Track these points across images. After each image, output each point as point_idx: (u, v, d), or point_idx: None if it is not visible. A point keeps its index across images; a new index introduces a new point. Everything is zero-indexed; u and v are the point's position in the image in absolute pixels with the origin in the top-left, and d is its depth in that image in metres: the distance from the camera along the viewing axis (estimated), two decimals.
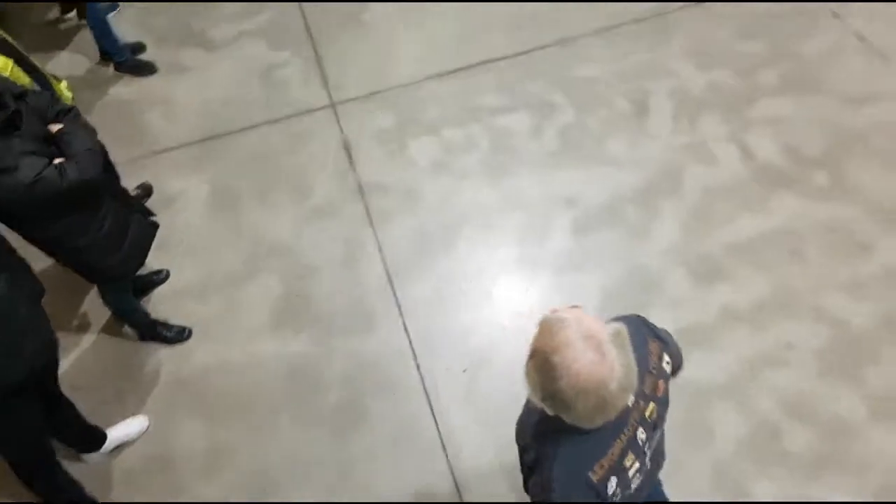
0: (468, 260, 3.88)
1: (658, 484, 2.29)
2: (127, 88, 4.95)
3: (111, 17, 5.02)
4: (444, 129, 4.49)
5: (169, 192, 4.28)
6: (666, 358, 1.90)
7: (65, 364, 3.42)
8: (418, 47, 5.03)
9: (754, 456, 3.12)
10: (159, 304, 3.81)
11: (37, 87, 3.31)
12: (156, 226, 3.34)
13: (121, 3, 5.45)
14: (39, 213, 2.74)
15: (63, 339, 3.53)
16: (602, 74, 4.71)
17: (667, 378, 1.88)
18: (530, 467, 1.78)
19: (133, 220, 3.16)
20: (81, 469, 3.17)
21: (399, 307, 3.71)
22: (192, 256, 3.98)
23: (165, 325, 3.68)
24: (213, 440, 3.34)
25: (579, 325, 1.55)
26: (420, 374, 3.47)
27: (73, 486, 2.97)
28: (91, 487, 3.10)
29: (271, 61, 5.03)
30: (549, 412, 1.61)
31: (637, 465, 1.78)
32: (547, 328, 1.59)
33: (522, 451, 1.83)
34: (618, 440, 1.72)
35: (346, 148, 4.44)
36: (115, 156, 3.56)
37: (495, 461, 3.18)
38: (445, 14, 5.21)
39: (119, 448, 3.31)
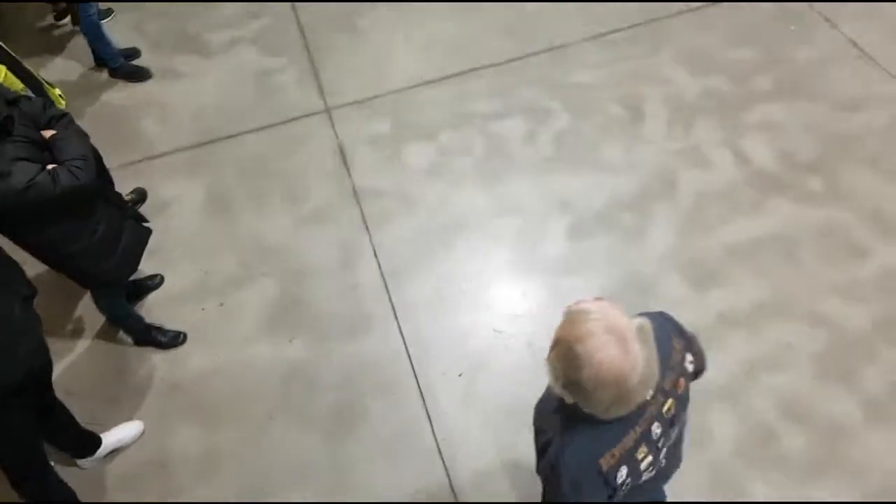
0: (464, 264, 3.88)
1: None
2: (121, 94, 4.95)
3: (105, 22, 5.03)
4: (439, 135, 4.50)
5: (164, 197, 4.27)
6: (689, 357, 1.91)
7: (59, 369, 3.40)
8: (413, 53, 5.04)
9: (752, 457, 3.12)
10: (154, 309, 3.79)
11: (30, 93, 3.31)
12: (149, 231, 3.34)
13: (115, 10, 5.46)
14: (33, 219, 2.74)
15: (57, 344, 3.55)
16: (596, 80, 4.73)
17: (688, 376, 1.89)
18: (543, 449, 1.80)
19: (126, 225, 3.16)
20: (76, 474, 3.16)
21: (395, 311, 3.70)
22: (187, 261, 3.97)
23: (160, 330, 3.66)
24: (209, 444, 3.32)
25: (604, 318, 1.56)
26: (416, 377, 3.47)
27: (64, 489, 2.95)
28: (85, 492, 3.08)
29: (266, 67, 5.04)
30: (568, 400, 1.63)
31: (650, 458, 1.80)
32: (572, 318, 1.60)
33: (538, 433, 1.85)
34: (632, 431, 1.73)
35: (342, 153, 4.44)
36: (109, 161, 3.57)
37: (492, 464, 3.17)
38: (441, 20, 5.23)
39: (114, 453, 3.29)
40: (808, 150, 4.24)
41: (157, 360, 3.62)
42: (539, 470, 1.82)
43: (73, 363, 3.62)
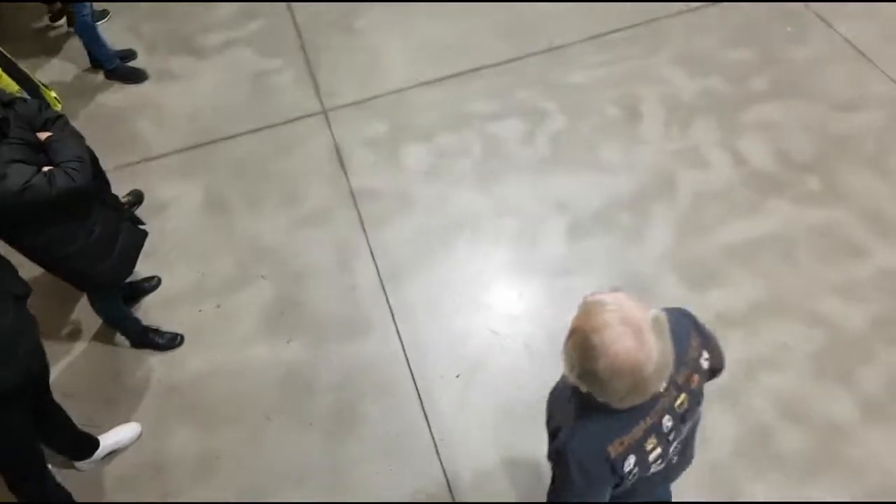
0: (461, 265, 3.87)
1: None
2: (117, 95, 4.94)
3: (101, 24, 5.02)
4: (437, 136, 4.49)
5: (160, 199, 4.26)
6: (705, 354, 1.92)
7: (56, 371, 3.40)
8: (410, 54, 5.04)
9: (750, 457, 3.12)
10: (151, 311, 3.78)
11: (26, 95, 3.30)
12: (145, 234, 3.33)
13: (111, 11, 5.45)
14: (29, 221, 2.73)
15: (54, 346, 3.55)
16: (593, 81, 4.72)
17: (702, 373, 1.90)
18: (553, 434, 1.82)
19: (123, 227, 3.15)
20: (73, 476, 3.16)
21: (392, 312, 3.70)
22: (184, 263, 3.96)
23: (157, 332, 3.65)
24: (206, 446, 3.31)
25: (620, 309, 1.57)
26: (413, 379, 3.46)
27: (61, 492, 2.95)
28: (83, 495, 3.08)
29: (263, 68, 5.03)
30: (583, 389, 1.64)
31: (659, 450, 1.81)
32: (588, 309, 1.61)
33: (549, 418, 1.87)
34: (642, 422, 1.75)
35: (339, 154, 4.44)
36: (105, 163, 3.56)
37: (489, 464, 3.17)
38: (438, 20, 5.22)
39: (111, 455, 3.28)
40: (806, 150, 4.24)
41: (155, 361, 3.61)
42: (549, 455, 1.84)
43: (70, 365, 3.61)
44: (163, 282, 3.89)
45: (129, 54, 5.14)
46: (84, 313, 3.72)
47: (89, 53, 4.97)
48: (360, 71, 4.95)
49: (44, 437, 2.90)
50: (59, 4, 5.34)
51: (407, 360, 3.53)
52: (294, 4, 5.48)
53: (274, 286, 3.84)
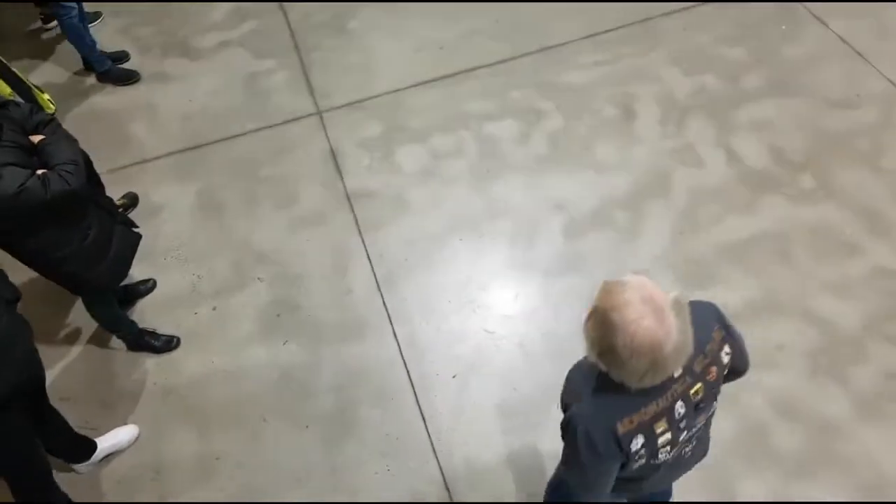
0: (457, 266, 3.87)
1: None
2: (110, 98, 4.92)
3: (93, 26, 5.00)
4: (432, 136, 4.49)
5: (155, 202, 4.25)
6: (726, 348, 1.92)
7: (52, 375, 3.39)
8: (404, 55, 5.03)
9: (744, 455, 3.13)
10: (147, 314, 3.77)
11: (18, 98, 3.29)
12: (139, 237, 3.32)
13: (103, 13, 5.43)
14: (23, 224, 2.72)
15: (50, 350, 3.55)
16: (588, 80, 4.73)
17: (721, 367, 1.90)
18: (565, 409, 1.84)
19: (117, 230, 3.14)
20: (72, 479, 3.15)
21: (388, 313, 3.70)
22: (180, 265, 3.95)
23: (153, 335, 3.64)
24: (204, 448, 3.31)
25: (640, 289, 1.60)
26: (410, 380, 3.46)
27: (59, 495, 2.95)
28: (81, 497, 3.08)
29: (256, 70, 5.02)
30: (602, 368, 1.67)
31: (668, 436, 1.82)
32: (609, 289, 1.64)
33: (564, 393, 1.89)
34: (653, 404, 1.76)
35: (334, 156, 4.43)
36: (99, 166, 3.55)
37: (486, 463, 3.17)
38: (432, 20, 5.22)
39: (109, 458, 3.28)
40: (800, 147, 4.25)
41: (151, 364, 3.60)
42: (561, 427, 1.86)
43: (66, 369, 3.60)
44: (158, 285, 3.88)
45: (122, 56, 5.11)
46: (79, 317, 3.71)
47: (81, 55, 4.95)
48: (354, 72, 4.94)
49: (41, 440, 2.88)
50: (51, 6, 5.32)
51: (403, 360, 3.53)
52: (287, 4, 5.47)
53: (270, 288, 3.84)
